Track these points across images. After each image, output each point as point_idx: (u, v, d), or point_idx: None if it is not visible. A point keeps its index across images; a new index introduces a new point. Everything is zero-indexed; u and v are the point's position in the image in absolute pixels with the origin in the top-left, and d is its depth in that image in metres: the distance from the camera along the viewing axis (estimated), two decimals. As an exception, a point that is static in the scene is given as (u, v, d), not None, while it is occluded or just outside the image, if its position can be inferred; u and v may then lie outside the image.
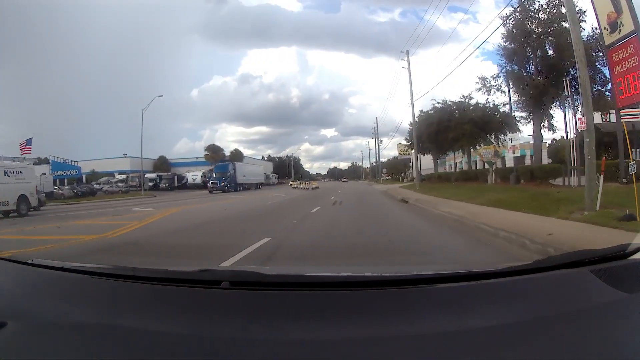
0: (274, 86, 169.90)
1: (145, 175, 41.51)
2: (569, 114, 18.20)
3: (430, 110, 25.95)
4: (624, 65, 8.68)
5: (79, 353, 0.89)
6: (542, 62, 19.21)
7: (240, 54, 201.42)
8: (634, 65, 8.35)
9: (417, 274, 1.22)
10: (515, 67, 20.24)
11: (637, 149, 17.63)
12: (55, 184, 30.71)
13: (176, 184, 46.84)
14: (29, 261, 1.46)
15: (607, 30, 9.13)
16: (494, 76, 22.05)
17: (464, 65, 62.58)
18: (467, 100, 24.98)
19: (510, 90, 20.74)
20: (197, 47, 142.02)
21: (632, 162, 6.78)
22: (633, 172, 6.51)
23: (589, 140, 8.21)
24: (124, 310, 1.06)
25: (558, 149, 32.06)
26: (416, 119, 24.40)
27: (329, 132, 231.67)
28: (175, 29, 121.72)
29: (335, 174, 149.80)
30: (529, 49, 19.44)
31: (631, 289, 1.01)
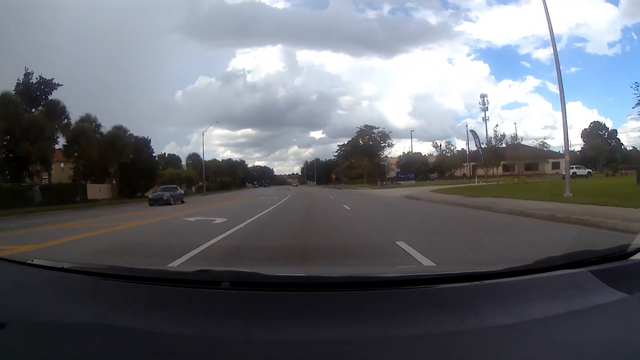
0: (260, 86, 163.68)
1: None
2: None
3: None
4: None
5: (79, 353, 0.89)
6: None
7: (225, 54, 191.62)
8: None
9: (418, 274, 1.22)
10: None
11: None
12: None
13: None
14: (28, 261, 1.46)
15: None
16: None
17: (459, 66, 61.90)
18: None
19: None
20: (179, 48, 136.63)
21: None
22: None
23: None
24: (124, 311, 1.06)
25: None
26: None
27: (317, 134, 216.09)
28: (154, 28, 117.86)
29: (320, 172, 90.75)
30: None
31: (631, 289, 1.01)
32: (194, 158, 66.04)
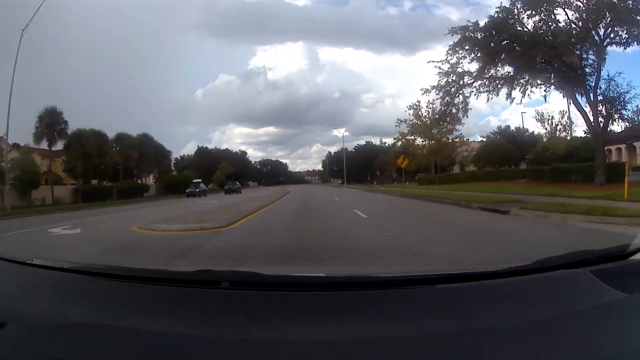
0: (282, 84, 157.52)
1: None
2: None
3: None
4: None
5: (79, 353, 0.89)
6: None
7: (245, 52, 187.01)
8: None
9: (418, 274, 1.21)
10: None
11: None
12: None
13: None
14: (28, 261, 1.46)
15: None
16: None
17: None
18: None
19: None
20: (198, 46, 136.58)
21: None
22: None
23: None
24: (124, 311, 1.06)
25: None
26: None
27: (340, 132, 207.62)
28: (172, 26, 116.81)
29: (352, 165, 64.84)
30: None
31: (631, 289, 1.01)
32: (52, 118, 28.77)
